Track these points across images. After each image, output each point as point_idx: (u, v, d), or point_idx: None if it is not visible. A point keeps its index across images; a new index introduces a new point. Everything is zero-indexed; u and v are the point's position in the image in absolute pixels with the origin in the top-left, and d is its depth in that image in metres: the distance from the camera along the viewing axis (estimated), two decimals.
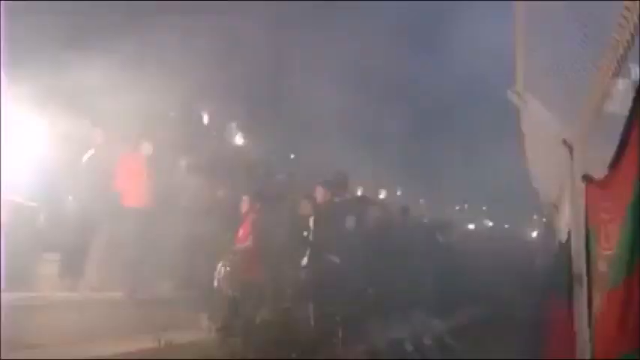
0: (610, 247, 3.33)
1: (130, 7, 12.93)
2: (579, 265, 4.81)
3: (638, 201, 2.77)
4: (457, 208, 25.04)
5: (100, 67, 9.23)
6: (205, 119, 13.76)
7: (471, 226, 23.18)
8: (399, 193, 17.70)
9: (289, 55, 17.95)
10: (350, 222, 9.72)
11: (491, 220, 25.97)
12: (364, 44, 18.99)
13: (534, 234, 23.97)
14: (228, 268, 8.65)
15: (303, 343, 7.28)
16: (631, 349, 2.80)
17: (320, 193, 9.80)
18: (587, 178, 4.38)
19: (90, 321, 7.83)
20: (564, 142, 5.29)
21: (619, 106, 3.44)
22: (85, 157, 8.97)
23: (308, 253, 9.32)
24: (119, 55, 9.92)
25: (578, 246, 4.94)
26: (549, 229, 16.30)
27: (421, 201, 20.01)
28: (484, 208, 26.02)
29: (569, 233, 5.86)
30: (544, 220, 17.68)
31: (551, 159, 7.16)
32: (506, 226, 26.65)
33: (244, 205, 8.93)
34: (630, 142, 2.90)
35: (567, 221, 6.18)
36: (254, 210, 8.88)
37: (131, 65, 9.85)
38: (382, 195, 15.35)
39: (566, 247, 6.51)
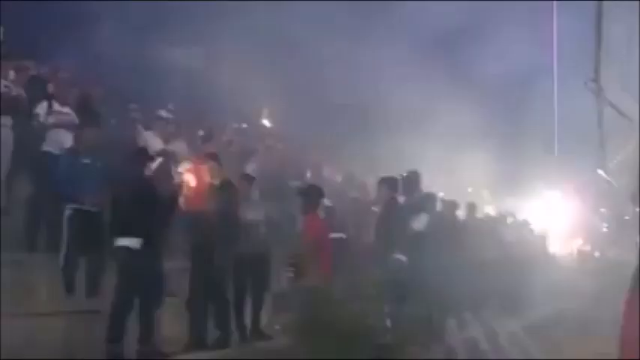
0: None
1: None
2: None
3: None
4: (524, 204, 24.49)
5: None
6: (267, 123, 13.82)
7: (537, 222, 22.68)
8: (469, 189, 17.44)
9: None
10: (416, 222, 9.61)
11: (557, 214, 25.32)
12: (426, 37, 18.84)
13: (605, 228, 23.32)
14: (291, 273, 8.62)
15: (381, 345, 7.20)
16: None
17: (381, 192, 9.69)
18: None
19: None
20: None
21: None
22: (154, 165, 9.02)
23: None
24: None
25: None
26: (624, 222, 15.90)
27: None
28: (551, 202, 25.35)
29: None
30: (618, 211, 17.21)
31: (630, 147, 6.95)
32: (573, 221, 25.99)
33: (303, 204, 8.91)
34: None
35: None
36: (314, 209, 8.82)
37: None
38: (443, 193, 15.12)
39: None
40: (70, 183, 7.91)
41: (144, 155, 7.80)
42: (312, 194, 8.74)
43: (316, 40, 16.49)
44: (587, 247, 20.52)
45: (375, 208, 10.30)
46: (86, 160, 8.15)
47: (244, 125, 12.31)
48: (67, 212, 7.91)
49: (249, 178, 9.31)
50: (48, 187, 8.18)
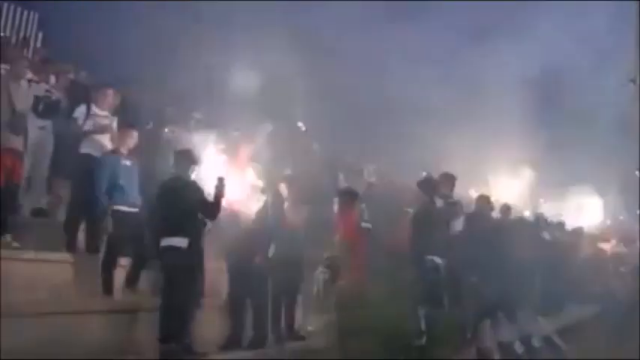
0: None
1: None
2: None
3: None
4: (559, 204, 24.14)
5: None
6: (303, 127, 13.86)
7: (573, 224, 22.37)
8: (505, 191, 17.27)
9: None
10: (452, 224, 9.58)
11: (592, 216, 24.95)
12: (453, 36, 18.76)
13: None
14: (326, 275, 8.67)
15: (415, 347, 7.20)
16: None
17: (418, 194, 9.67)
18: None
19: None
20: None
21: None
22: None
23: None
24: None
25: None
26: None
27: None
28: (585, 203, 25.00)
29: None
30: None
31: None
32: (608, 222, 25.57)
33: (339, 206, 8.95)
34: None
35: None
36: (349, 211, 8.87)
37: None
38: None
39: None
40: (112, 184, 8.14)
41: (190, 156, 7.95)
42: (347, 196, 8.77)
43: (348, 39, 16.51)
44: (623, 249, 20.16)
45: (409, 210, 10.29)
46: (127, 162, 8.36)
47: (278, 127, 12.33)
48: (109, 213, 8.12)
49: (292, 181, 9.37)
50: (88, 189, 8.35)
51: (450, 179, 9.84)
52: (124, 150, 8.45)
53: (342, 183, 11.53)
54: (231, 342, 8.00)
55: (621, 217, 25.58)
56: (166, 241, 7.33)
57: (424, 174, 10.55)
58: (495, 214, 12.25)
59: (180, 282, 7.22)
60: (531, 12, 19.85)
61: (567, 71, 20.03)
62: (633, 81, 6.28)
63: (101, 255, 8.05)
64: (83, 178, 8.50)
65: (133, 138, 8.60)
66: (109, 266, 8.02)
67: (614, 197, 23.72)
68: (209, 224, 7.93)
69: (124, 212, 8.14)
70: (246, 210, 8.28)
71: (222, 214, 8.64)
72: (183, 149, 8.30)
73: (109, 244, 8.04)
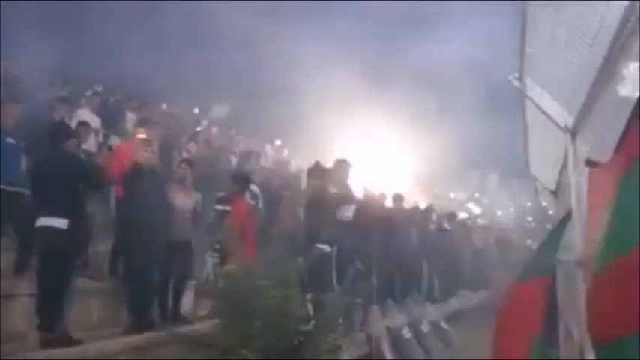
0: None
1: None
2: (580, 249, 4.79)
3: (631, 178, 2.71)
4: (452, 195, 25.02)
5: None
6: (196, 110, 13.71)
7: (464, 214, 23.18)
8: (399, 180, 17.67)
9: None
10: (343, 212, 9.67)
11: (483, 206, 25.96)
12: (362, 32, 18.98)
13: (530, 221, 24.04)
14: (216, 259, 8.60)
15: (302, 331, 7.24)
16: (629, 332, 2.71)
17: (309, 181, 9.71)
18: (590, 163, 4.28)
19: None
20: (566, 127, 5.27)
21: (631, 89, 3.39)
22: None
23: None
24: None
25: (579, 230, 4.92)
26: (545, 216, 16.43)
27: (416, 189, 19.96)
28: (476, 195, 25.99)
29: (565, 217, 5.79)
30: (541, 207, 17.78)
31: (551, 145, 7.17)
32: (499, 213, 26.66)
33: (230, 190, 8.94)
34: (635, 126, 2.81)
35: (566, 206, 6.14)
36: (240, 195, 8.87)
37: None
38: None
39: (557, 231, 6.50)
40: None
41: (65, 130, 7.49)
42: (238, 180, 8.71)
43: (246, 22, 16.42)
44: (512, 239, 21.15)
45: (302, 195, 10.34)
46: (11, 140, 7.90)
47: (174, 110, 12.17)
48: None
49: (189, 163, 9.17)
50: None
51: (343, 166, 9.89)
52: (7, 126, 7.95)
53: (236, 168, 11.49)
54: (136, 325, 7.77)
55: (511, 210, 26.82)
56: (43, 222, 6.80)
57: (333, 163, 10.55)
58: (389, 203, 12.51)
59: (58, 266, 6.74)
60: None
61: (469, 68, 20.68)
62: (518, 78, 6.51)
63: None
64: None
65: (17, 112, 8.15)
66: None
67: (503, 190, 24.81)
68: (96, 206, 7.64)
69: (8, 193, 7.62)
70: (138, 192, 7.99)
71: (114, 196, 8.45)
72: (58, 122, 7.90)
73: None
